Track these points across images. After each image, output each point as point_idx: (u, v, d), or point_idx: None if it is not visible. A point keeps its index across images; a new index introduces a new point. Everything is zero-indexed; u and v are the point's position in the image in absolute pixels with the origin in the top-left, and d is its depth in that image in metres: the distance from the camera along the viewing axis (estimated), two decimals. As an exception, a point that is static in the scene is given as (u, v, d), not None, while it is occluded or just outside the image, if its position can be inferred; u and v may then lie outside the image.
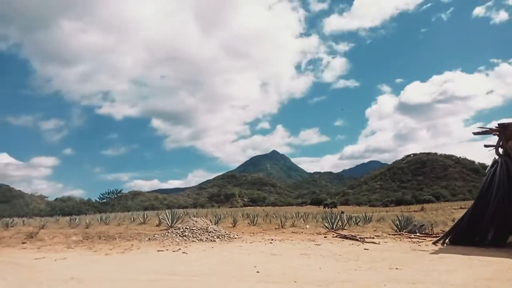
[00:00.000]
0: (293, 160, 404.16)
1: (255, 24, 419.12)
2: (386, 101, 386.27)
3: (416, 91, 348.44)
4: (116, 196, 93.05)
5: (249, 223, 20.55)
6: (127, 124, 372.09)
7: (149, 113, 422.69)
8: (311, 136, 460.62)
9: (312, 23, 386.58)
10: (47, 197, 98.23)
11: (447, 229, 13.43)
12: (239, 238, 12.84)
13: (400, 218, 16.91)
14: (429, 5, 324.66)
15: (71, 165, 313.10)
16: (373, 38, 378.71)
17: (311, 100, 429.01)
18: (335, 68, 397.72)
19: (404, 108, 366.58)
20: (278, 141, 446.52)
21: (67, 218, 32.11)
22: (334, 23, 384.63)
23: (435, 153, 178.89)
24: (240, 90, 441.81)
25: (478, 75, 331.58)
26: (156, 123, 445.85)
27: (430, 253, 9.18)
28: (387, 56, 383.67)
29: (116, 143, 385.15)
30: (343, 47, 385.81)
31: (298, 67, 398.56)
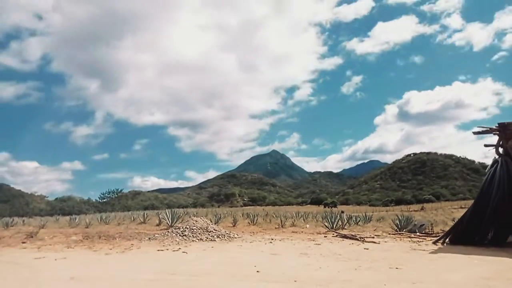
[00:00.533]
0: (293, 159, 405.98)
1: (280, 46, 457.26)
2: (393, 110, 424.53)
3: (421, 101, 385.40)
4: (116, 195, 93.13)
5: (249, 223, 20.56)
6: (148, 130, 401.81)
7: (170, 120, 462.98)
8: (323, 143, 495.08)
9: (334, 46, 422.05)
10: (47, 196, 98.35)
11: (447, 228, 13.44)
12: (239, 237, 12.84)
13: (400, 218, 16.94)
14: (433, 32, 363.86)
15: (92, 168, 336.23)
16: (388, 58, 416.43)
17: (326, 110, 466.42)
18: (351, 84, 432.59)
19: (409, 116, 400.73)
20: (291, 147, 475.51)
21: (67, 217, 32.15)
22: (354, 46, 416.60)
23: (435, 153, 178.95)
24: (258, 102, 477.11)
25: (480, 85, 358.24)
26: (176, 130, 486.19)
27: (430, 253, 9.18)
28: (398, 72, 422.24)
29: (136, 147, 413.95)
30: (361, 66, 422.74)
31: (317, 81, 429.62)
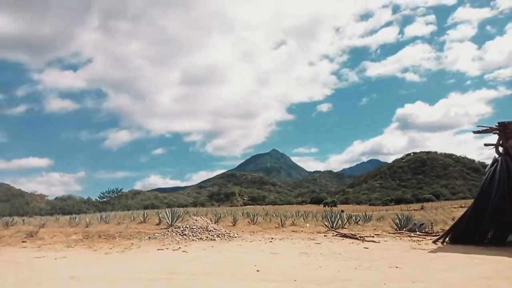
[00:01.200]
0: (293, 158, 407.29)
1: (305, 67, 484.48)
2: (399, 121, 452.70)
3: (424, 113, 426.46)
4: (116, 195, 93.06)
5: (249, 222, 20.57)
6: (169, 138, 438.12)
7: (188, 128, 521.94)
8: (333, 147, 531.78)
9: (354, 68, 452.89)
10: (47, 196, 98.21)
11: (447, 228, 13.44)
12: (239, 237, 12.85)
13: (400, 217, 16.96)
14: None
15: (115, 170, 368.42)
16: (399, 76, 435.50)
17: (339, 119, 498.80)
18: (365, 99, 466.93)
19: (412, 126, 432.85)
20: (303, 152, 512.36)
21: (67, 217, 32.16)
22: (371, 67, 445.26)
23: (435, 152, 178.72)
24: (276, 112, 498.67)
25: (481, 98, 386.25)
26: (195, 137, 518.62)
27: (430, 252, 9.19)
28: (408, 88, 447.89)
29: (153, 150, 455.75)
30: (377, 84, 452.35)
31: (333, 97, 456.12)
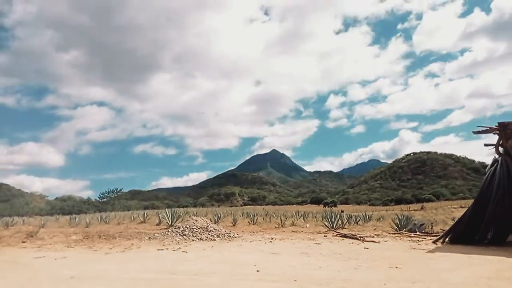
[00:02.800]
0: (293, 159, 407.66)
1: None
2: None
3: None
4: (116, 195, 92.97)
5: (249, 222, 20.56)
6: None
7: (221, 146, 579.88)
8: (343, 154, 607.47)
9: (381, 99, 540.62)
10: (47, 196, 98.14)
11: (447, 228, 13.44)
12: (239, 237, 12.84)
13: (400, 217, 16.94)
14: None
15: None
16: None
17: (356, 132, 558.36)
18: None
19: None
20: (317, 160, 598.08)
21: (67, 217, 32.14)
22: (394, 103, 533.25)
23: (435, 152, 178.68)
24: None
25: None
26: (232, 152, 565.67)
27: (430, 252, 9.19)
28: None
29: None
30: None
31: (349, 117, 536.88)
